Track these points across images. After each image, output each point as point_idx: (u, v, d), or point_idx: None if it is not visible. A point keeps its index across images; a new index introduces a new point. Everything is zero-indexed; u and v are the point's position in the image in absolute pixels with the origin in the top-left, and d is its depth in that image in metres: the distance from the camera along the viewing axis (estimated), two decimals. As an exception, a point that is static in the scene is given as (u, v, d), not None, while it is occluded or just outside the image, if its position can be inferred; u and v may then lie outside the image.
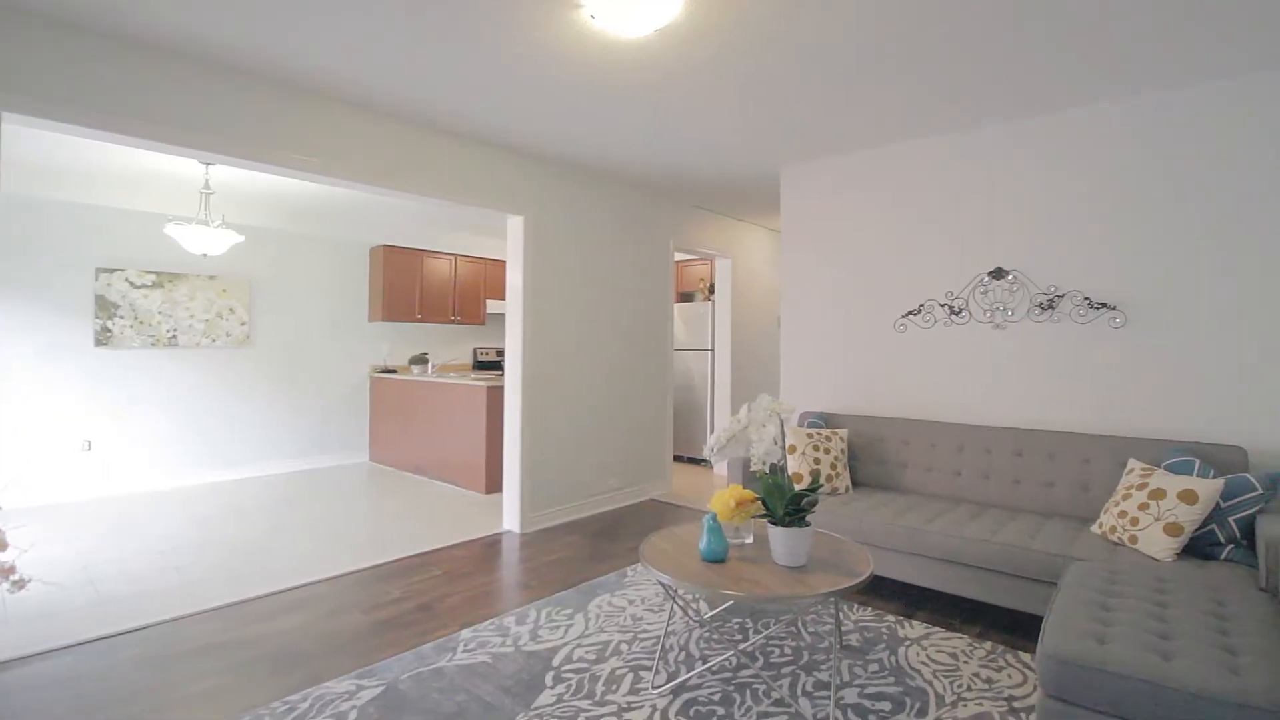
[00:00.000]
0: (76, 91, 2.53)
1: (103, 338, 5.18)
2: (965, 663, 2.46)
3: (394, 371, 6.87)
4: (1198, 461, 2.61)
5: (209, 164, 4.40)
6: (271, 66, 2.90)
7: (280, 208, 5.87)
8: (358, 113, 3.39)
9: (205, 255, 5.75)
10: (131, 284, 5.34)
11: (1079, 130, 3.26)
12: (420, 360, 6.77)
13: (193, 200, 5.42)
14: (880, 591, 3.20)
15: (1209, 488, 2.40)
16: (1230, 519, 2.40)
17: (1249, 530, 2.40)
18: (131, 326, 5.33)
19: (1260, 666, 1.50)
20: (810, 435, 3.54)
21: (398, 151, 3.56)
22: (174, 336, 5.56)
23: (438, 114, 3.48)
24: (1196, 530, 2.44)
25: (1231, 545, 2.40)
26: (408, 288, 6.81)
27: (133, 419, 5.36)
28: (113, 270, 5.24)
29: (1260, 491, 2.37)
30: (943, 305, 3.69)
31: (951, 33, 2.53)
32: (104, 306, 5.19)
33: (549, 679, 2.34)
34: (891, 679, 2.34)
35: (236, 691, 2.27)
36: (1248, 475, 2.43)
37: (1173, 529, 2.41)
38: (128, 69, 2.65)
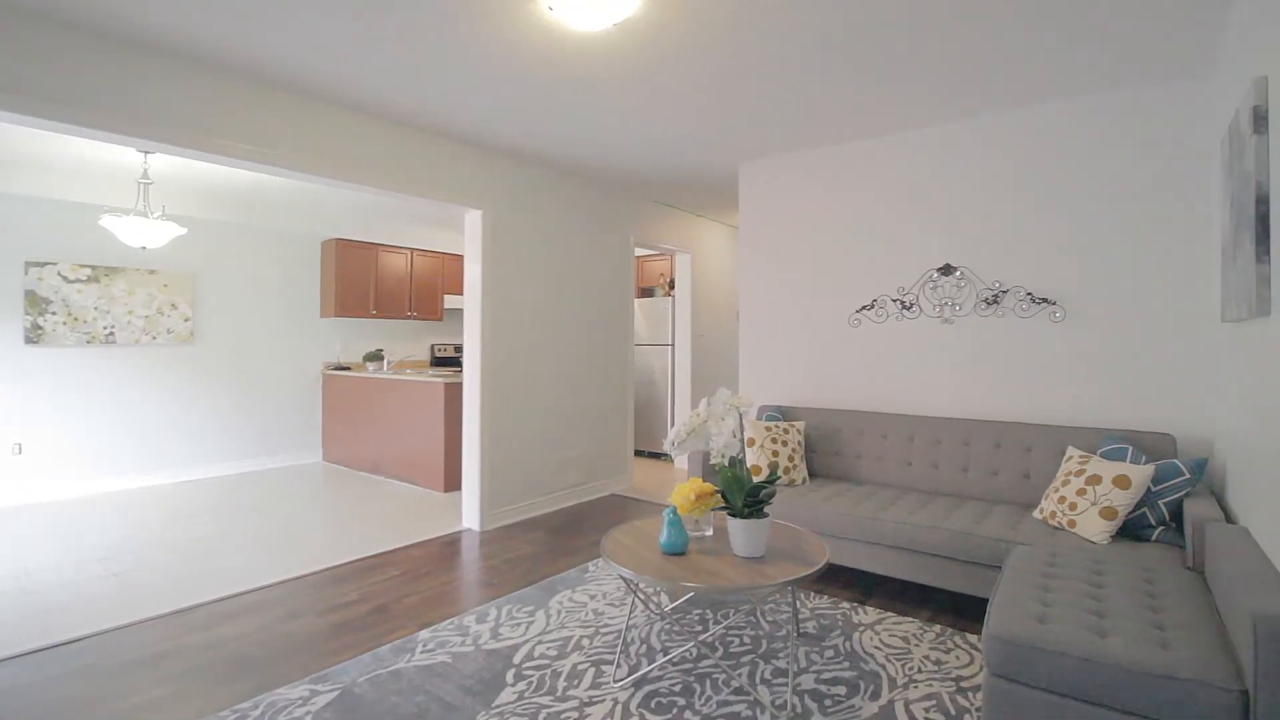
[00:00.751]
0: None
1: (34, 335, 4.91)
2: (916, 646, 2.54)
3: (348, 369, 6.70)
4: (1131, 448, 2.74)
5: (147, 152, 4.21)
6: (226, 55, 2.78)
7: (225, 199, 5.65)
8: (311, 103, 3.28)
9: (144, 248, 5.52)
10: (65, 278, 5.07)
11: (1021, 131, 3.38)
12: (375, 357, 6.62)
13: (130, 190, 5.17)
14: (836, 579, 3.28)
15: (1141, 473, 2.53)
16: (1160, 502, 2.54)
17: (1178, 513, 2.55)
18: (65, 323, 5.06)
19: (1187, 641, 1.59)
20: (768, 428, 3.60)
21: (350, 143, 3.47)
22: (111, 334, 5.31)
23: (392, 105, 3.40)
24: (1130, 514, 2.57)
25: (1162, 527, 2.54)
26: (362, 282, 6.64)
27: (67, 420, 5.10)
28: (44, 264, 4.96)
29: (1188, 476, 2.51)
30: (895, 300, 3.79)
31: (901, 34, 2.59)
32: (34, 302, 4.92)
33: (510, 676, 2.33)
34: (846, 664, 2.41)
35: (183, 701, 2.19)
36: (1176, 461, 2.57)
37: (1108, 513, 2.53)
38: (59, 54, 2.52)
